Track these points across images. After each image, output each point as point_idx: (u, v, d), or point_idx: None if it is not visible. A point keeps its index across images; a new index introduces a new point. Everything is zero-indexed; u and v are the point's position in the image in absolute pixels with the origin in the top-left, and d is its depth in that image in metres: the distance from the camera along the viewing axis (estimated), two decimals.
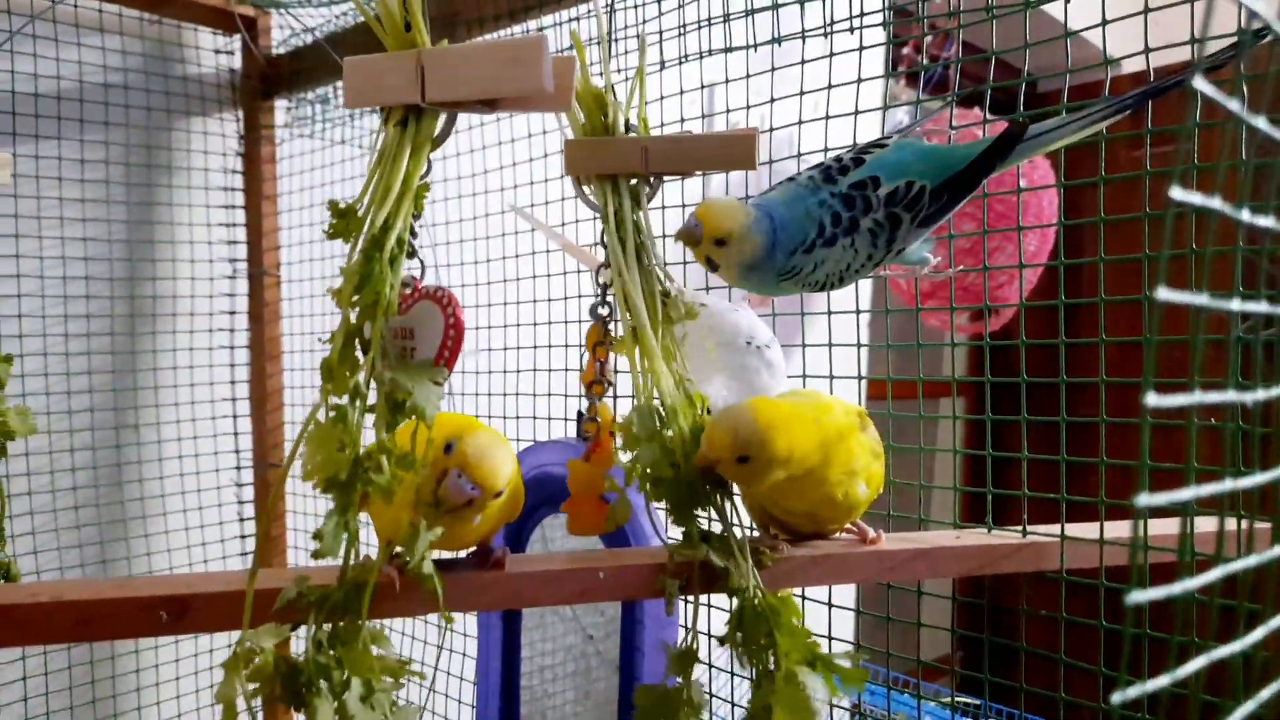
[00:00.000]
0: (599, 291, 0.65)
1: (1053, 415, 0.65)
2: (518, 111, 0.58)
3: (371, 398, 0.50)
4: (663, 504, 0.55)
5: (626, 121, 0.62)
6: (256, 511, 1.26)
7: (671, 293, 0.62)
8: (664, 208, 0.82)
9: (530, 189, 1.02)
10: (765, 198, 0.63)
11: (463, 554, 0.60)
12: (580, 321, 0.96)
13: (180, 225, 1.20)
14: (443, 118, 0.55)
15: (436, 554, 0.59)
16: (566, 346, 0.98)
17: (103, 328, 1.13)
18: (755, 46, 0.77)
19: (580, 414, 0.89)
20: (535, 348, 1.02)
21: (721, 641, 0.52)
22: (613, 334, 0.64)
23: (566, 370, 0.97)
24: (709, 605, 0.81)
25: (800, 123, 0.76)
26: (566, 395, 0.96)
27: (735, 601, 0.52)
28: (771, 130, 0.81)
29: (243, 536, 1.26)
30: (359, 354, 0.50)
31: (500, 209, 1.07)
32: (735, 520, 0.57)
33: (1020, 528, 0.63)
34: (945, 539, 0.62)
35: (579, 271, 0.98)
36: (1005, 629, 0.72)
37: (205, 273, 1.22)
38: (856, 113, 0.73)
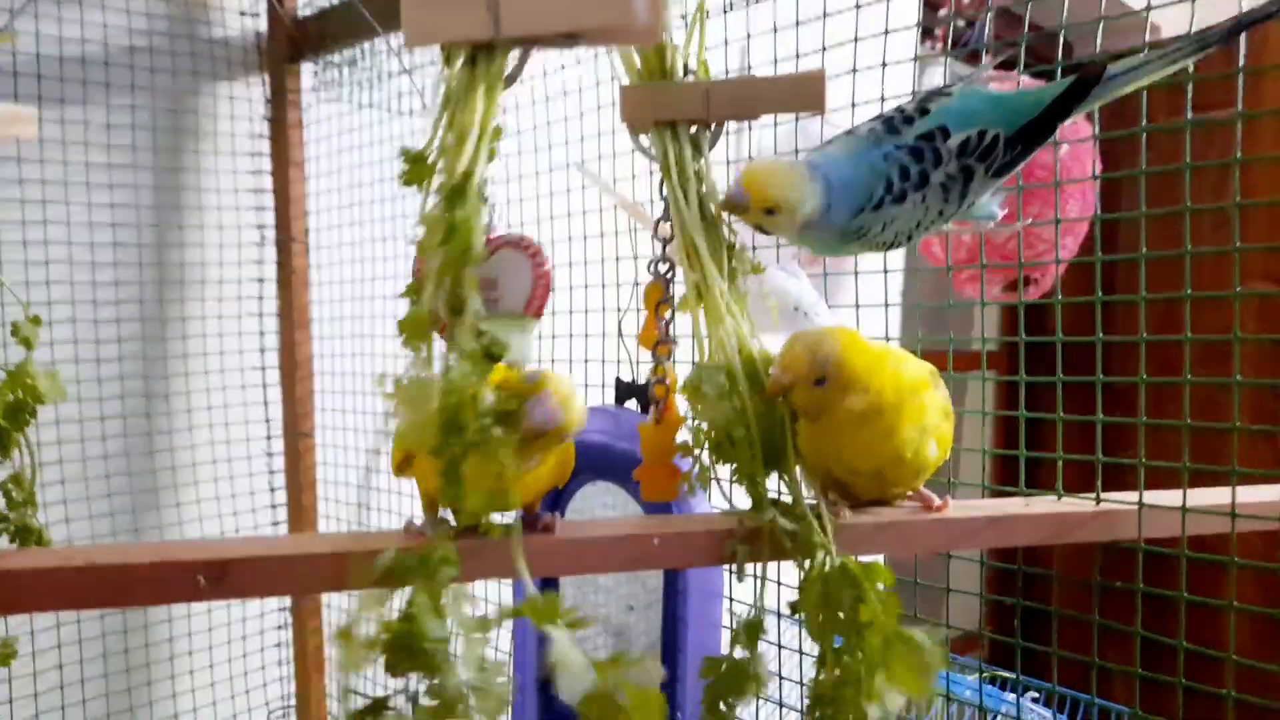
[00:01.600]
0: (660, 247, 0.61)
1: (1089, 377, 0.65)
2: (602, 45, 0.53)
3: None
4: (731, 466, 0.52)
5: (685, 65, 0.58)
6: (288, 480, 1.24)
7: (736, 245, 0.58)
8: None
9: (566, 148, 0.99)
10: (823, 153, 0.59)
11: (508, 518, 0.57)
12: (619, 285, 0.93)
13: (208, 191, 1.18)
14: (514, 54, 0.50)
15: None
16: (604, 311, 0.95)
17: (131, 295, 1.11)
18: None
19: (619, 380, 0.87)
20: (572, 313, 0.99)
21: (793, 609, 0.49)
22: (673, 291, 0.61)
23: (604, 335, 0.95)
24: (756, 576, 0.78)
25: (855, 70, 0.73)
26: (604, 361, 0.94)
27: (808, 567, 0.49)
28: None
29: (273, 506, 1.25)
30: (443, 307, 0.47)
31: (534, 170, 1.04)
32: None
33: (1094, 495, 0.60)
34: (1014, 506, 0.59)
35: (617, 234, 0.95)
36: (1036, 598, 0.72)
37: (233, 239, 1.20)
38: (915, 59, 0.70)
